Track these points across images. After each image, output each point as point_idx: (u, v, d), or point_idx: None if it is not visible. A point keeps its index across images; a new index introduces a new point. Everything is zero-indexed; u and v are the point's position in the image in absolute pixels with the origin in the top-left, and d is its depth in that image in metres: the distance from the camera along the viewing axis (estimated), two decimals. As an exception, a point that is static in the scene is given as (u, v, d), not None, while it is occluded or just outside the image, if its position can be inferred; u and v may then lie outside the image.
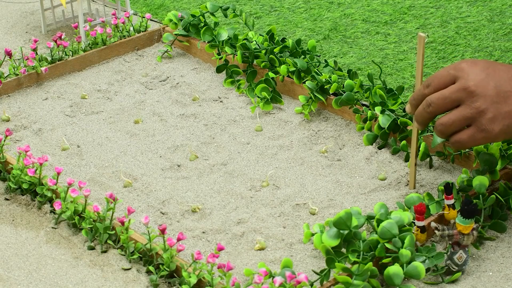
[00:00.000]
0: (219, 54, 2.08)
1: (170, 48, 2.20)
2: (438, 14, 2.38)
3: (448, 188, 1.44)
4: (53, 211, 1.57)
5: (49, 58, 2.09)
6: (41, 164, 1.59)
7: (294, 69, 1.92)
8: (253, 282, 1.29)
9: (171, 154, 1.78)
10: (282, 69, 1.93)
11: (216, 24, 2.16)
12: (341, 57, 2.16)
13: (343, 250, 1.39)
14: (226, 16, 2.17)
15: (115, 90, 2.05)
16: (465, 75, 1.24)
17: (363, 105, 1.85)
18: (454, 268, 1.39)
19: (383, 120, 1.72)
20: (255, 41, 2.04)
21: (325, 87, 1.87)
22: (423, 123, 1.35)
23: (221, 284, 1.32)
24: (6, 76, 2.03)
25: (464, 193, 1.50)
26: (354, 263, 1.34)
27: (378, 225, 1.39)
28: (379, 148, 1.75)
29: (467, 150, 1.66)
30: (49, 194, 1.58)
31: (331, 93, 1.87)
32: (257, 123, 1.87)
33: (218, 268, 1.32)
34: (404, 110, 1.35)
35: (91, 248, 1.48)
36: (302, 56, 1.99)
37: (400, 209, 1.47)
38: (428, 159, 1.69)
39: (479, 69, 1.24)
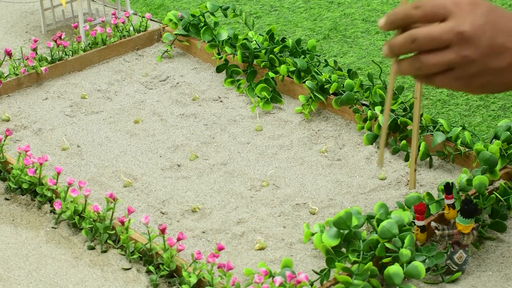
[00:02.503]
0: (219, 54, 2.08)
1: (170, 48, 2.20)
2: (438, 13, 2.37)
3: (448, 188, 1.44)
4: (53, 211, 1.57)
5: (49, 58, 2.09)
6: (41, 164, 1.59)
7: (294, 69, 1.92)
8: (253, 282, 1.29)
9: (171, 154, 1.78)
10: (282, 69, 1.93)
11: (216, 24, 2.16)
12: (341, 57, 2.16)
13: (343, 249, 1.39)
14: (226, 16, 2.17)
15: (115, 90, 2.05)
16: (462, 15, 1.11)
17: (363, 104, 1.85)
18: (454, 268, 1.39)
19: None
20: (255, 41, 2.04)
21: (325, 86, 1.87)
22: (396, 54, 1.16)
23: (221, 284, 1.32)
24: (6, 76, 2.03)
25: (464, 193, 1.50)
26: (354, 262, 1.34)
27: (378, 225, 1.39)
28: (379, 148, 1.75)
29: (467, 149, 1.66)
30: (49, 194, 1.58)
31: (331, 92, 1.87)
32: (257, 123, 1.87)
33: (218, 268, 1.32)
34: (385, 55, 1.18)
35: (91, 248, 1.48)
36: (302, 56, 1.99)
37: (400, 209, 1.47)
38: (428, 159, 1.69)
39: (479, 13, 1.11)
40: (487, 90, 1.13)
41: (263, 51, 2.00)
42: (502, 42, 1.10)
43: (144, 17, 2.27)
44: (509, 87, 1.13)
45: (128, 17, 2.24)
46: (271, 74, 1.94)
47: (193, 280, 1.33)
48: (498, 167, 1.54)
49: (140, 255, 1.44)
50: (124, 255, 1.45)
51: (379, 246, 1.36)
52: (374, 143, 1.76)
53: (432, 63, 1.11)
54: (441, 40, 1.10)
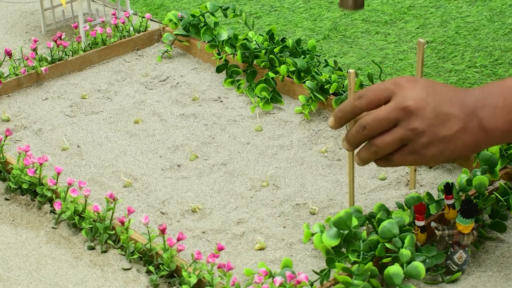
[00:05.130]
0: (219, 54, 2.08)
1: (170, 48, 2.20)
2: (438, 14, 2.38)
3: (448, 188, 1.44)
4: (53, 211, 1.57)
5: (49, 58, 2.09)
6: (41, 164, 1.59)
7: (294, 69, 1.92)
8: (253, 282, 1.29)
9: (171, 154, 1.78)
10: (282, 69, 1.93)
11: (216, 24, 2.16)
12: (341, 57, 2.16)
13: (343, 250, 1.39)
14: (226, 16, 2.17)
15: (115, 90, 2.05)
16: (403, 93, 1.13)
17: (363, 105, 1.85)
18: (454, 268, 1.39)
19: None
20: (255, 41, 2.04)
21: (325, 87, 1.87)
22: (355, 145, 1.22)
23: (221, 284, 1.32)
24: (6, 76, 2.03)
25: (464, 193, 1.50)
26: (354, 263, 1.34)
27: (378, 225, 1.39)
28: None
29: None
30: (49, 194, 1.58)
31: (331, 93, 1.87)
32: (257, 123, 1.87)
33: (218, 268, 1.32)
34: (346, 149, 1.24)
35: (91, 248, 1.48)
36: (302, 56, 1.99)
37: (399, 209, 1.47)
38: (428, 159, 1.69)
39: (419, 88, 1.14)
40: (441, 160, 1.17)
41: (263, 51, 2.00)
42: (446, 110, 1.13)
43: (144, 17, 2.27)
44: (461, 154, 1.16)
45: (128, 17, 2.24)
46: (271, 74, 1.94)
47: (193, 280, 1.33)
48: (498, 167, 1.54)
49: (140, 255, 1.44)
50: (124, 255, 1.45)
51: (379, 246, 1.36)
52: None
53: (385, 143, 1.16)
54: (389, 120, 1.14)
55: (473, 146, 1.18)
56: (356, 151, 1.28)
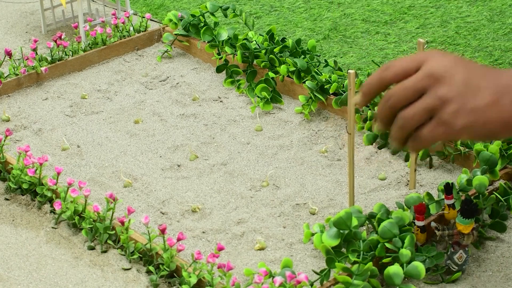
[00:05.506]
0: (219, 54, 2.08)
1: (170, 48, 2.20)
2: (438, 14, 2.38)
3: (448, 188, 1.44)
4: (53, 211, 1.57)
5: (49, 58, 2.09)
6: (41, 164, 1.59)
7: (294, 69, 1.92)
8: (253, 282, 1.29)
9: (171, 154, 1.78)
10: (282, 69, 1.93)
11: (216, 24, 2.16)
12: (341, 57, 2.16)
13: (343, 250, 1.39)
14: (226, 16, 2.17)
15: (115, 90, 2.05)
16: (432, 62, 1.07)
17: (363, 105, 1.84)
18: (454, 268, 1.39)
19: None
20: (255, 41, 2.04)
21: (325, 87, 1.87)
22: (385, 121, 1.12)
23: (221, 284, 1.32)
24: (6, 76, 2.03)
25: (464, 193, 1.50)
26: (354, 263, 1.34)
27: (378, 225, 1.39)
28: (379, 148, 1.75)
29: (467, 150, 1.66)
30: (49, 194, 1.58)
31: (331, 93, 1.87)
32: (257, 123, 1.87)
33: (218, 268, 1.32)
34: (378, 131, 1.12)
35: (91, 248, 1.48)
36: (302, 56, 1.99)
37: (399, 209, 1.47)
38: (428, 159, 1.69)
39: (450, 58, 1.08)
40: (472, 133, 1.07)
41: (263, 51, 2.00)
42: (477, 82, 1.05)
43: (144, 17, 2.27)
44: (494, 131, 1.07)
45: (128, 17, 2.24)
46: (271, 74, 1.94)
47: (193, 280, 1.33)
48: (498, 167, 1.54)
49: (140, 255, 1.44)
50: (124, 255, 1.45)
51: (379, 246, 1.36)
52: (374, 143, 1.76)
53: (412, 114, 1.07)
54: (415, 88, 1.07)
55: (505, 123, 1.09)
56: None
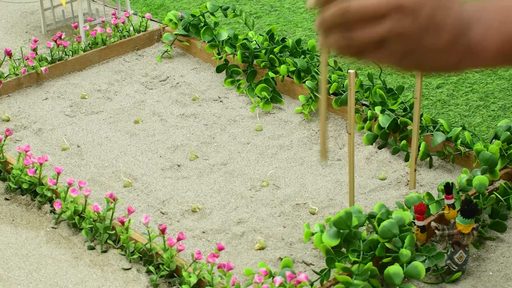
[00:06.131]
0: (219, 54, 2.08)
1: (170, 48, 2.19)
2: (438, 14, 2.37)
3: (448, 188, 1.44)
4: (53, 211, 1.57)
5: (49, 58, 2.09)
6: (41, 164, 1.59)
7: (294, 69, 1.92)
8: (253, 282, 1.29)
9: (171, 154, 1.78)
10: (282, 69, 1.93)
11: (216, 24, 2.16)
12: (341, 57, 2.16)
13: (343, 249, 1.39)
14: (226, 16, 2.17)
15: (115, 90, 2.05)
16: None
17: (363, 104, 1.85)
18: (454, 268, 1.39)
19: (383, 120, 1.72)
20: (255, 41, 2.04)
21: (325, 87, 1.86)
22: (328, 26, 0.92)
23: (221, 284, 1.32)
24: (6, 76, 2.03)
25: (464, 193, 1.50)
26: (354, 262, 1.34)
27: (378, 225, 1.39)
28: (379, 148, 1.75)
29: (467, 150, 1.66)
30: (49, 194, 1.58)
31: (331, 93, 1.87)
32: (257, 123, 1.87)
33: (218, 268, 1.32)
34: (316, 28, 0.99)
35: (91, 248, 1.48)
36: (302, 56, 1.99)
37: (399, 209, 1.47)
38: (428, 159, 1.69)
39: None
40: (417, 69, 0.95)
41: (263, 51, 2.00)
42: (440, 18, 1.01)
43: (144, 17, 2.27)
44: (441, 69, 0.95)
45: (128, 17, 2.24)
46: (271, 74, 1.94)
47: (193, 280, 1.33)
48: (498, 167, 1.54)
49: (140, 255, 1.44)
50: (124, 255, 1.45)
51: (379, 246, 1.36)
52: (374, 143, 1.76)
53: (366, 38, 0.94)
54: (375, 12, 0.93)
55: (456, 64, 1.06)
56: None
